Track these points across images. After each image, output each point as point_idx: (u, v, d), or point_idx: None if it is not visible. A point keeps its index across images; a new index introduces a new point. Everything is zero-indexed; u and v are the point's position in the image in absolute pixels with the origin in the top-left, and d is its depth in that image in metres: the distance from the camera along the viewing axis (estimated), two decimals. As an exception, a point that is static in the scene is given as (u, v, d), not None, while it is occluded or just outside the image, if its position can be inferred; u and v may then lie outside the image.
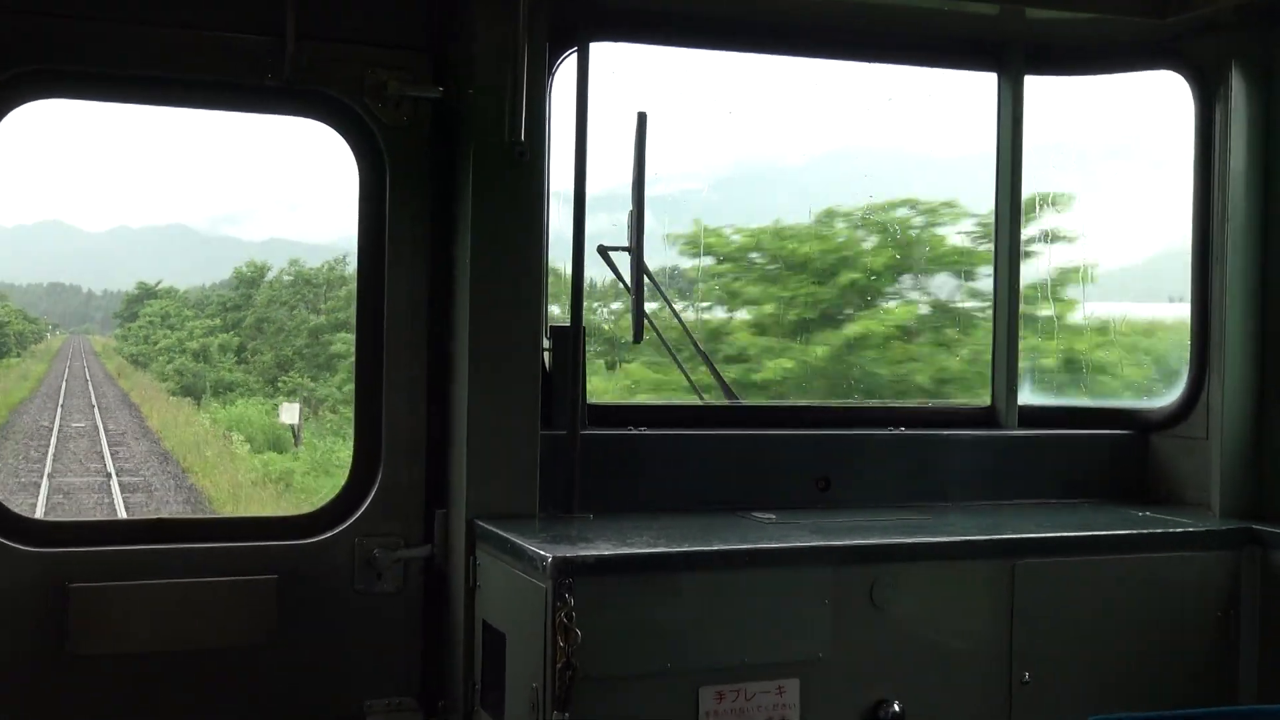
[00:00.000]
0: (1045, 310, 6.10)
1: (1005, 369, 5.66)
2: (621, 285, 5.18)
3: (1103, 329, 6.07)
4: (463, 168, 4.70)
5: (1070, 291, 5.86)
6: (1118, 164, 6.28)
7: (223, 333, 27.66)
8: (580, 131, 4.78)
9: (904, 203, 7.49)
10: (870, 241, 7.79)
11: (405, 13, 4.84)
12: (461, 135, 4.73)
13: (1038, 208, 5.89)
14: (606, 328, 7.00)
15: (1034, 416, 5.70)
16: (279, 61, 4.59)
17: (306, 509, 4.96)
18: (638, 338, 5.08)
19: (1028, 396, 5.77)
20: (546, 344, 4.86)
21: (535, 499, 4.66)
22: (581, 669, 3.79)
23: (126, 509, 17.91)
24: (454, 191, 4.80)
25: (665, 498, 4.96)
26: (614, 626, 3.93)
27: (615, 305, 6.98)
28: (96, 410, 27.51)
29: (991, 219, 5.73)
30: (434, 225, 4.85)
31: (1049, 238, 6.11)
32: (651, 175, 4.96)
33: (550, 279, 4.93)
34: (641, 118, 4.94)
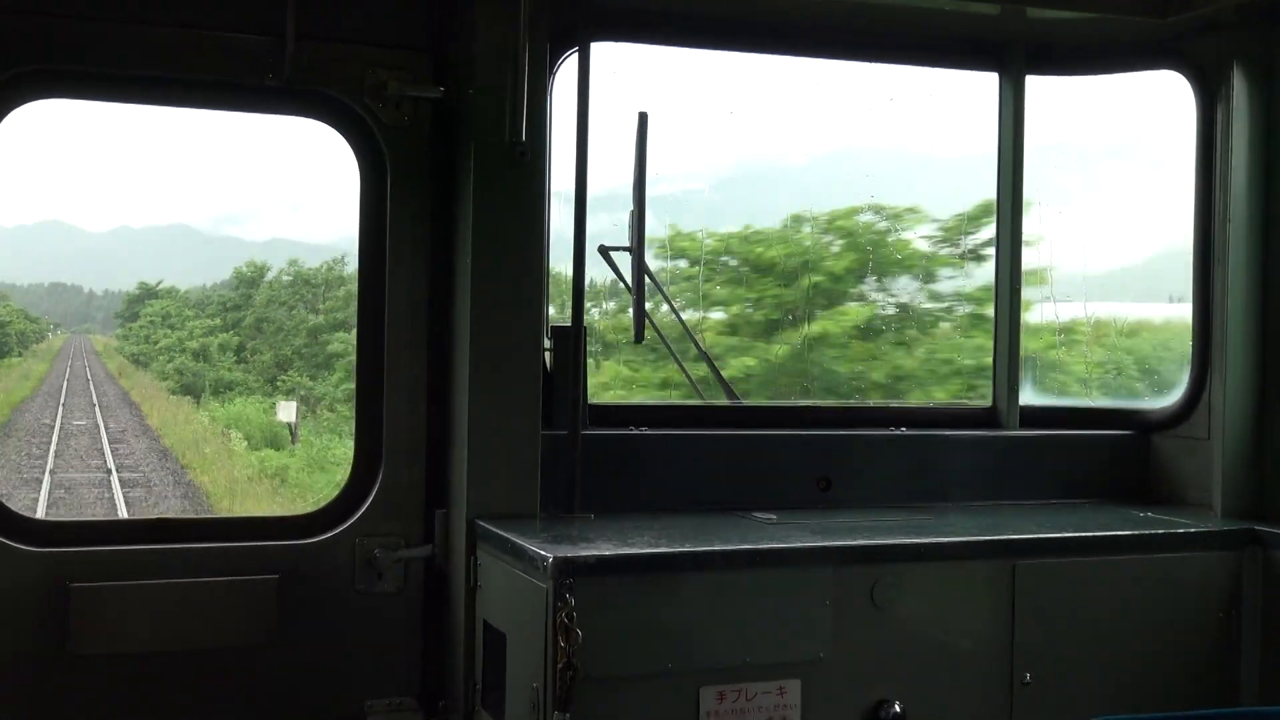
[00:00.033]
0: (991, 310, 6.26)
1: (1006, 369, 5.66)
2: (623, 285, 5.18)
3: (1068, 329, 6.14)
4: (463, 168, 4.70)
5: (1030, 293, 6.03)
6: (1117, 164, 6.28)
7: (222, 332, 27.72)
8: (581, 131, 4.77)
9: (869, 208, 7.74)
10: (836, 245, 8.07)
11: (405, 13, 4.84)
12: (462, 135, 4.72)
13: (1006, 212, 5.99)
14: (601, 326, 7.12)
15: (1035, 417, 5.70)
16: (279, 61, 4.58)
17: (306, 508, 4.96)
18: (639, 338, 5.08)
19: (1029, 397, 5.77)
20: (547, 344, 4.86)
21: (536, 499, 4.65)
22: (582, 669, 3.79)
23: (126, 504, 18.14)
24: (455, 191, 4.80)
25: (666, 498, 4.96)
26: (615, 627, 3.93)
27: (608, 304, 7.14)
28: (97, 409, 27.67)
29: (954, 224, 5.79)
30: (435, 225, 4.85)
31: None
32: (652, 175, 4.97)
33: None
34: (643, 118, 4.94)
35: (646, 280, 5.09)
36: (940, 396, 7.10)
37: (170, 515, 17.16)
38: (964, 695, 4.44)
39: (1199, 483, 5.34)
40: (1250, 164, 5.22)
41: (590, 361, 5.02)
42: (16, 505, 4.64)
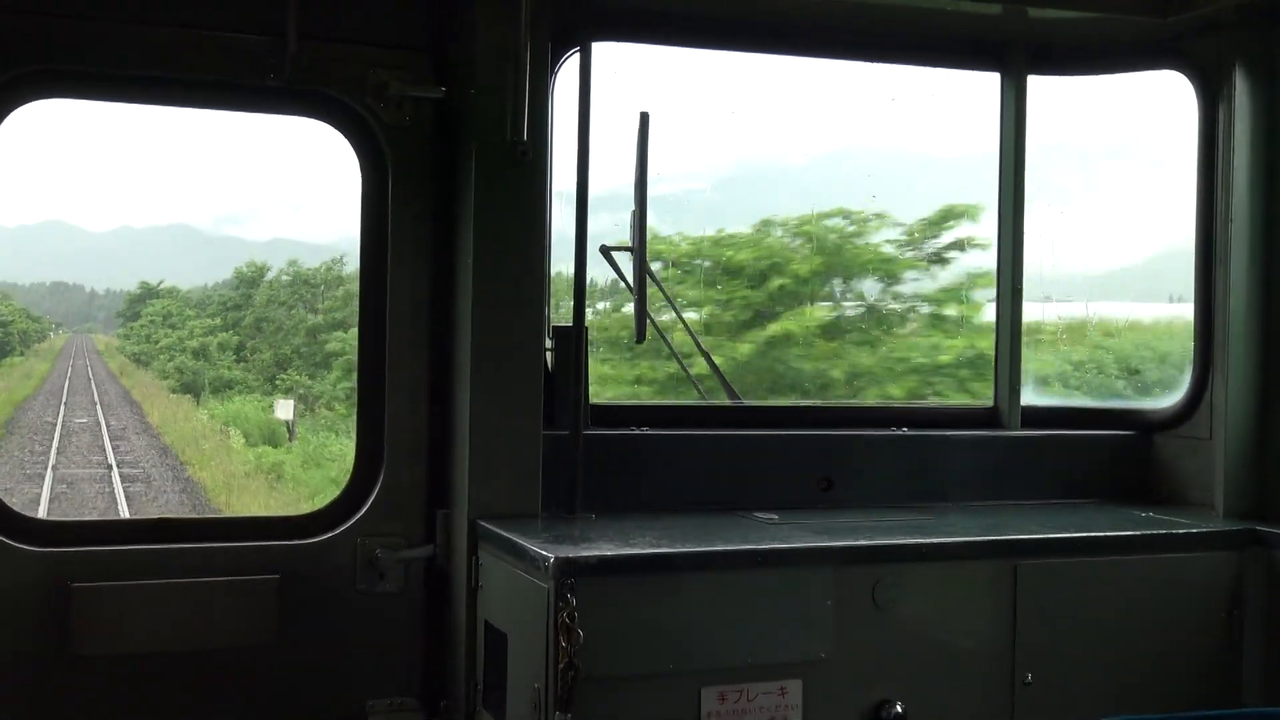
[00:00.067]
0: (951, 310, 6.94)
1: (1008, 369, 5.65)
2: (624, 285, 5.17)
3: (1032, 330, 6.18)
4: (465, 167, 4.70)
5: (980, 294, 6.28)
6: (1118, 164, 6.28)
7: (222, 332, 27.81)
8: (582, 131, 4.77)
9: (836, 212, 8.03)
10: (804, 249, 8.40)
11: (406, 13, 4.84)
12: (463, 135, 4.72)
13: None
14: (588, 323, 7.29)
15: (1037, 417, 5.69)
16: (280, 61, 4.58)
17: (308, 508, 4.96)
18: (640, 337, 5.08)
19: (1031, 397, 5.77)
20: (549, 344, 4.86)
21: (538, 499, 4.65)
22: (584, 669, 3.79)
23: (126, 498, 18.41)
24: (456, 191, 4.79)
25: (667, 498, 4.96)
26: (616, 627, 3.93)
27: (601, 305, 7.30)
28: (99, 407, 27.90)
29: (917, 228, 5.84)
30: (436, 225, 4.85)
31: (963, 246, 6.81)
32: (654, 175, 4.96)
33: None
34: (644, 117, 4.93)
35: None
36: (896, 393, 7.45)
37: (171, 514, 17.51)
38: (965, 696, 4.44)
39: (1201, 483, 5.34)
40: (1252, 163, 5.22)
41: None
42: (20, 500, 4.65)
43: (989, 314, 5.90)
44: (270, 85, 4.63)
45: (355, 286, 4.98)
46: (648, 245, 4.93)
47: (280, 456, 20.78)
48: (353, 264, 5.00)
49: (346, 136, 4.84)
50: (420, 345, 4.84)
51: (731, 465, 5.11)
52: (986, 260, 5.84)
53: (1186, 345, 5.48)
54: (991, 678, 4.46)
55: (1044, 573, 4.51)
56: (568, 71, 4.94)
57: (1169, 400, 5.58)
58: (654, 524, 4.58)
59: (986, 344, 5.86)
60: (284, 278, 27.43)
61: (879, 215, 7.77)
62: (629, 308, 5.15)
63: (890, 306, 7.98)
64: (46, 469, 20.22)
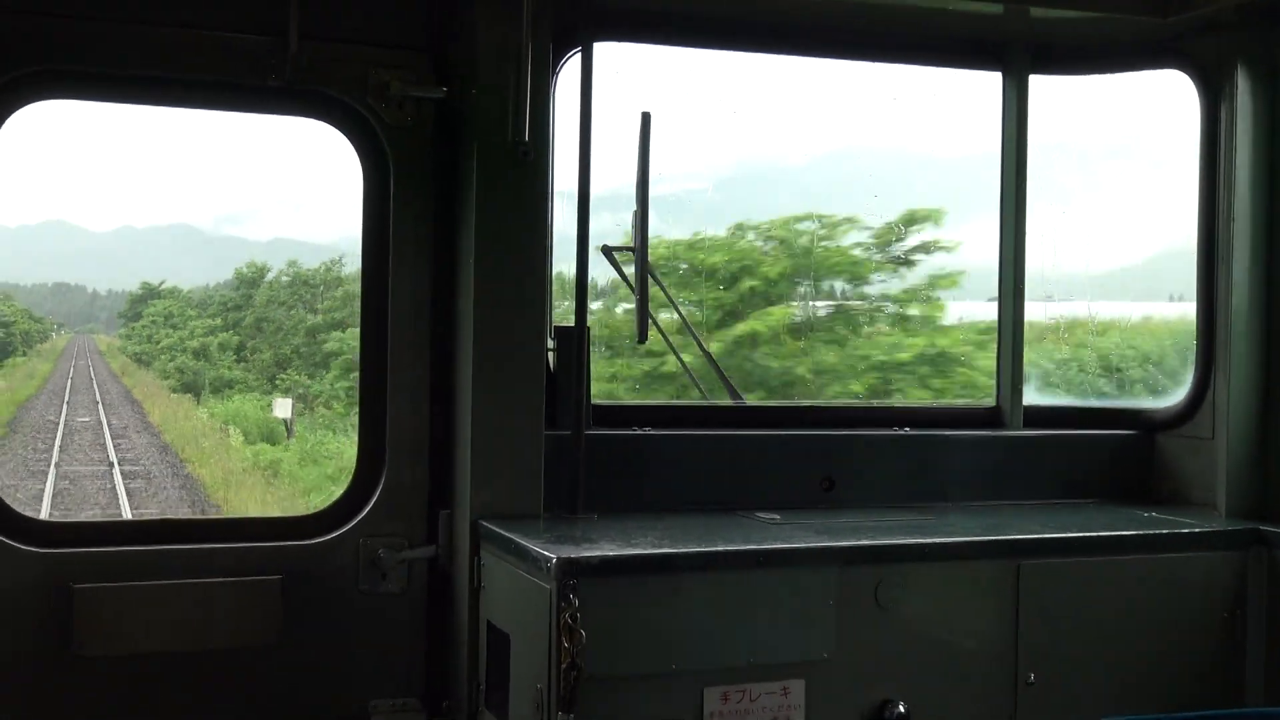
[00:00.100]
0: (914, 310, 7.32)
1: (1010, 369, 5.65)
2: (626, 285, 5.17)
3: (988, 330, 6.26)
4: (466, 168, 4.70)
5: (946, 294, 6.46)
6: (1119, 163, 6.28)
7: (223, 332, 27.89)
8: (584, 131, 4.77)
9: (807, 216, 8.29)
10: (775, 252, 8.77)
11: (407, 13, 4.84)
12: (465, 135, 4.72)
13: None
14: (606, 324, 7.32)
15: (1039, 417, 5.69)
16: (281, 62, 4.58)
17: (310, 509, 4.95)
18: (642, 337, 5.08)
19: (1032, 396, 5.77)
20: (551, 344, 4.85)
21: (540, 499, 4.65)
22: (586, 669, 3.78)
23: (127, 494, 18.62)
24: (458, 191, 4.79)
25: (669, 498, 4.96)
26: (618, 627, 3.93)
27: (594, 305, 7.38)
28: (100, 406, 28.12)
29: (884, 231, 5.87)
30: (438, 225, 4.85)
31: (929, 248, 7.09)
32: (655, 175, 4.96)
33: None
34: (645, 118, 4.92)
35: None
36: (857, 389, 7.76)
37: (171, 510, 17.86)
38: (968, 695, 4.43)
39: (1203, 482, 5.33)
40: (1254, 163, 5.22)
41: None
42: (23, 496, 4.66)
43: (954, 314, 5.97)
44: (271, 85, 4.63)
45: (354, 287, 4.98)
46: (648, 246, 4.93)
47: (278, 454, 21.02)
48: (352, 264, 5.01)
49: (348, 137, 4.84)
50: (422, 345, 4.84)
51: (733, 465, 5.11)
52: (951, 261, 5.92)
53: (1165, 343, 5.50)
54: (994, 678, 4.45)
55: (1046, 573, 4.51)
56: (569, 71, 4.94)
57: (1171, 400, 5.58)
58: (656, 524, 4.58)
59: (946, 342, 5.91)
60: (284, 278, 27.52)
61: (849, 219, 7.98)
62: (620, 308, 5.17)
63: (855, 304, 8.27)
64: (49, 466, 20.49)
